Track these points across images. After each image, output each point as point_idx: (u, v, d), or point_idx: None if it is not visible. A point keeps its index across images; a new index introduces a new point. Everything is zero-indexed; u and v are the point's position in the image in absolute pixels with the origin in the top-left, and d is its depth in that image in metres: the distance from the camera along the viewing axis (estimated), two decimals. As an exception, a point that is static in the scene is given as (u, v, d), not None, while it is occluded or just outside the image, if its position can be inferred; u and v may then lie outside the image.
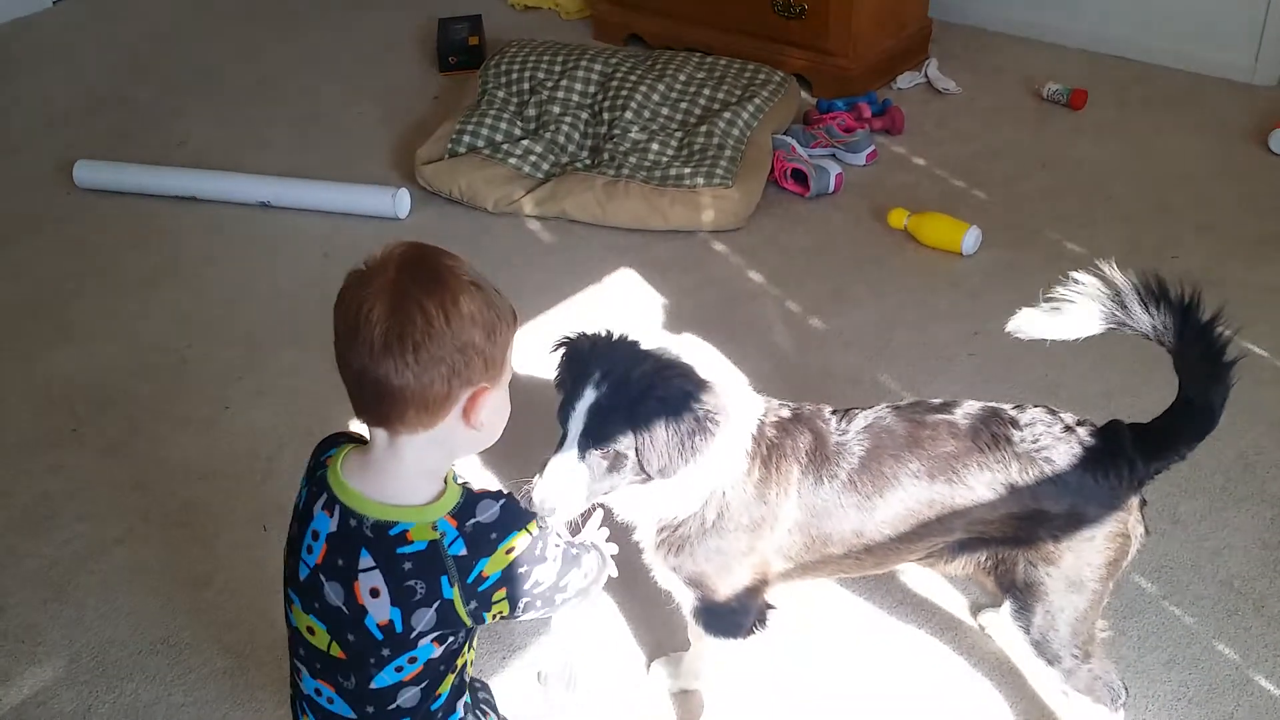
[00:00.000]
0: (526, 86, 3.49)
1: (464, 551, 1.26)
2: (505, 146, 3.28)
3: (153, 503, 2.32)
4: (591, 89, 3.45)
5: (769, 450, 1.65)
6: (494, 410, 1.30)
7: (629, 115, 3.32)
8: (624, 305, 2.85)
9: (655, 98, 3.38)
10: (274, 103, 3.91)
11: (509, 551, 1.28)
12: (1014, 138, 3.48)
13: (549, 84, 3.46)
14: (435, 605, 1.27)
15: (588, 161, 3.28)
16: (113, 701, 1.95)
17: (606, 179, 3.15)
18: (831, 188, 3.19)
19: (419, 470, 1.29)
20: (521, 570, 1.30)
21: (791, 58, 3.67)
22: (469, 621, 1.31)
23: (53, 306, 2.95)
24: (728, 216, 3.07)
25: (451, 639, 1.33)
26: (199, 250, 3.15)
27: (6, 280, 3.07)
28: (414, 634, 1.28)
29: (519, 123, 3.40)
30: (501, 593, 1.30)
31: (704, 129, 3.24)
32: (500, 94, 3.48)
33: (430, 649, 1.31)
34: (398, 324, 1.20)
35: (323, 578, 1.29)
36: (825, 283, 2.89)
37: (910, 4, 3.83)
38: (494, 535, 1.28)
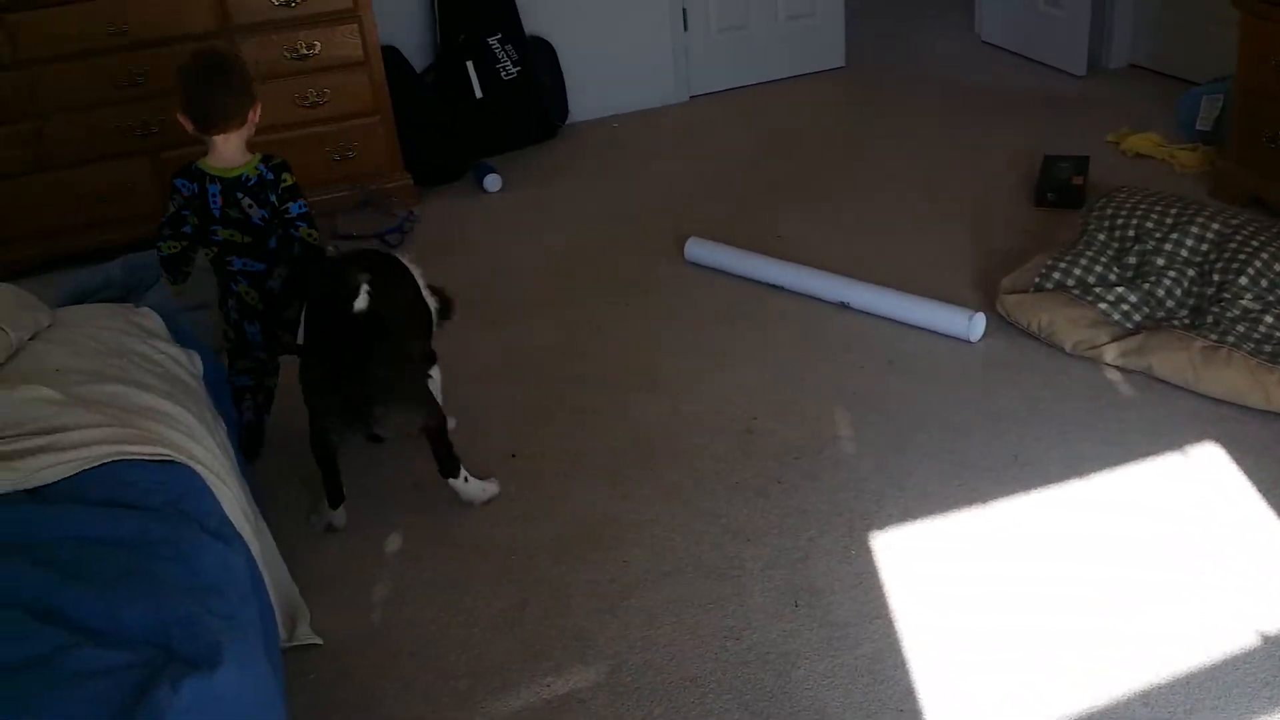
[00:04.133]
0: (1131, 234, 3.34)
1: (272, 177, 2.77)
2: (1097, 289, 3.17)
3: (703, 551, 2.51)
4: (1204, 247, 3.22)
5: None
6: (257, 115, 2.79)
7: (1244, 281, 3.05)
8: (1205, 483, 2.60)
9: (1278, 267, 3.08)
10: (866, 209, 4.12)
11: (290, 174, 2.81)
12: None
13: (1157, 234, 3.29)
14: (269, 206, 2.77)
15: (1186, 320, 3.06)
16: (640, 718, 2.13)
17: (1206, 343, 2.91)
18: None
19: (241, 147, 2.76)
20: (298, 190, 2.82)
21: None
22: (288, 212, 2.79)
23: (647, 358, 3.32)
24: (1351, 411, 2.70)
25: (280, 233, 2.81)
26: (778, 334, 3.38)
27: (614, 328, 3.51)
28: (269, 223, 2.78)
29: (1115, 269, 3.26)
30: (288, 196, 2.78)
31: (1337, 310, 2.89)
32: (1101, 237, 3.37)
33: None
34: (236, 79, 2.73)
35: (227, 209, 2.75)
36: None
37: None
38: (283, 169, 2.80)
